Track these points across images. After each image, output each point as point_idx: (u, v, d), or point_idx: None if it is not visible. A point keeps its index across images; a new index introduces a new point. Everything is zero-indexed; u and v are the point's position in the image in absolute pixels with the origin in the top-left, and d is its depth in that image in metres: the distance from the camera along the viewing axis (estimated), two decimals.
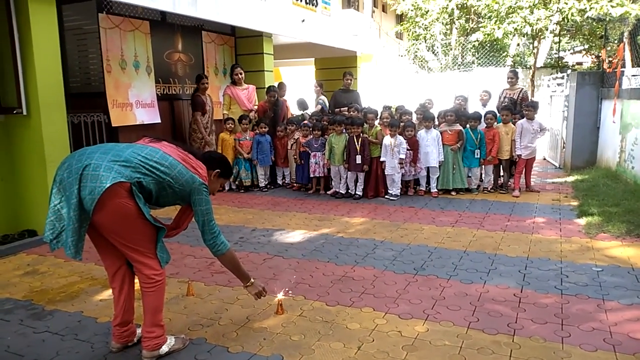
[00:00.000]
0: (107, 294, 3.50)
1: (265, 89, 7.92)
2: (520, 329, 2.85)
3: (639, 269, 3.76)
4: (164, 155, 2.50)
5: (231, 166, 2.96)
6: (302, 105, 8.76)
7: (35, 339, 2.87)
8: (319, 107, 8.48)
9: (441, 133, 6.70)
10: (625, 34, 8.44)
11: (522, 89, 7.68)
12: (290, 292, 3.43)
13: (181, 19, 7.30)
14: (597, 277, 3.63)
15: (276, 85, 8.31)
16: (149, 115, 6.72)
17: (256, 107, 7.65)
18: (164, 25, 7.16)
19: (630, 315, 3.00)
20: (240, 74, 7.34)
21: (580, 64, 19.14)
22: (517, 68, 12.97)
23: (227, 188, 7.33)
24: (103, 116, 6.25)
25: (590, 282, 3.54)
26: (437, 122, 6.97)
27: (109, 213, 2.32)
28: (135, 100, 6.50)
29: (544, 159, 9.90)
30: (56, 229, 2.36)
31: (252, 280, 2.93)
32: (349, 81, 8.16)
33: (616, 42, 8.80)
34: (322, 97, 8.66)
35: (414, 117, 7.18)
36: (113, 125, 6.20)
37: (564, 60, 16.90)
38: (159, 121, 6.86)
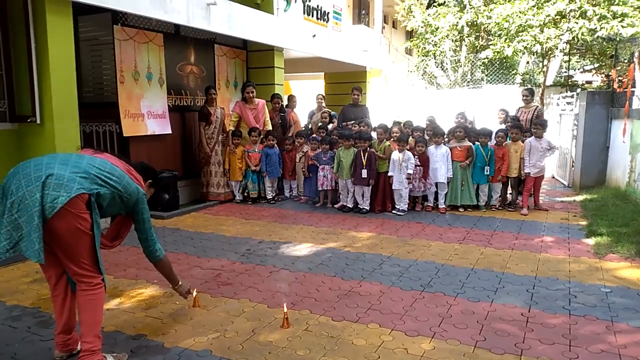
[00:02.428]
0: (114, 303, 3.51)
1: (270, 97, 8.01)
2: (528, 349, 2.82)
3: None
4: (112, 166, 2.60)
5: (159, 176, 3.16)
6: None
7: (41, 346, 2.89)
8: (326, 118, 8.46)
9: (451, 149, 6.71)
10: (636, 54, 8.43)
11: (537, 106, 7.68)
12: (293, 305, 3.42)
13: (194, 32, 7.40)
14: (606, 298, 3.60)
15: (286, 98, 8.36)
16: (160, 126, 6.79)
17: (269, 126, 7.62)
18: (177, 38, 7.26)
19: None
20: (252, 92, 7.35)
21: (589, 82, 19.11)
22: (526, 86, 13.00)
23: (237, 197, 7.36)
24: (115, 126, 6.32)
25: (598, 303, 3.51)
26: (446, 139, 6.98)
27: (66, 223, 2.35)
28: (147, 111, 6.58)
29: (553, 177, 9.85)
30: (13, 238, 2.31)
31: (180, 282, 3.19)
32: (357, 96, 8.19)
33: (626, 62, 8.79)
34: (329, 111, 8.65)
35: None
36: (124, 135, 6.27)
37: (573, 79, 16.90)
38: (170, 132, 6.93)
